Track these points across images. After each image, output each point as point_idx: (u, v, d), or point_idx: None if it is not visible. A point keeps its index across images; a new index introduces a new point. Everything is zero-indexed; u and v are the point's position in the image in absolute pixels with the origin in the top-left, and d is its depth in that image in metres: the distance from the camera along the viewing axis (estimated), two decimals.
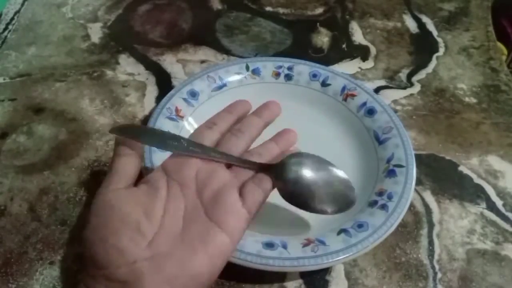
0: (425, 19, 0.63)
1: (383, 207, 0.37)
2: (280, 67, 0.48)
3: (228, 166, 0.33)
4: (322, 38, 0.59)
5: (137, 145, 0.32)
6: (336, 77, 0.47)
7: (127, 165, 0.31)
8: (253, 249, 0.33)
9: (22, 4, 0.61)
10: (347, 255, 0.34)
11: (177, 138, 0.33)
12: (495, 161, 0.46)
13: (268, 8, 0.63)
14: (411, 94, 0.52)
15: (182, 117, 0.43)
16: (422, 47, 0.59)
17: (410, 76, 0.54)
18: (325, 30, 0.60)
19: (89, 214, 0.29)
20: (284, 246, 0.34)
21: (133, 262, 0.27)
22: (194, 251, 0.28)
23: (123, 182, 0.30)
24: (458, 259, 0.39)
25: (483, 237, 0.40)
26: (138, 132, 0.33)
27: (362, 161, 0.43)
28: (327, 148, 0.43)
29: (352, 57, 0.56)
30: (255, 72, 0.48)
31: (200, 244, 0.28)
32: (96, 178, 0.43)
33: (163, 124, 0.42)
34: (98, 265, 0.27)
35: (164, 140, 0.33)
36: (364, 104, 0.45)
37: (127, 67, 0.53)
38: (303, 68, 0.48)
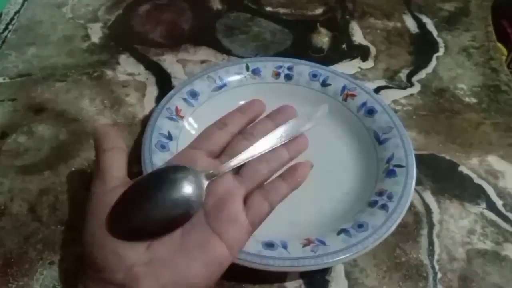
0: (425, 19, 0.63)
1: (383, 207, 0.37)
2: (280, 67, 0.48)
3: (236, 171, 0.32)
4: (322, 38, 0.59)
5: (118, 136, 0.31)
6: (336, 77, 0.47)
7: (115, 160, 0.31)
8: (253, 249, 0.33)
9: (22, 4, 0.61)
10: (347, 255, 0.34)
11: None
12: (495, 161, 0.46)
13: (268, 8, 0.63)
14: (411, 94, 0.52)
15: (182, 117, 0.43)
16: (422, 47, 0.59)
17: (410, 76, 0.54)
18: (325, 30, 0.60)
19: (86, 216, 0.29)
20: (284, 246, 0.34)
21: (130, 267, 0.26)
22: (191, 259, 0.27)
23: (115, 180, 0.30)
24: (458, 259, 0.39)
25: (483, 237, 0.40)
26: None
27: (362, 161, 0.43)
28: (327, 148, 0.44)
29: (352, 57, 0.56)
30: (255, 72, 0.48)
31: (198, 252, 0.28)
32: None
33: (163, 124, 0.42)
34: (96, 268, 0.27)
35: None
36: (364, 104, 0.45)
37: (127, 67, 0.53)
38: (303, 68, 0.48)
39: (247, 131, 0.35)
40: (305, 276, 0.37)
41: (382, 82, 0.53)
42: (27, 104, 0.49)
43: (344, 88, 0.47)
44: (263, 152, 0.33)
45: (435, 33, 0.61)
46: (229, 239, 0.29)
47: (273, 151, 0.33)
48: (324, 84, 0.47)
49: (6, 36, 0.56)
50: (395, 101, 0.51)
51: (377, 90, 0.52)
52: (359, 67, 0.55)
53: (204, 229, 0.29)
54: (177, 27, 0.59)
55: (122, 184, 0.29)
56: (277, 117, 0.36)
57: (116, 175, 0.30)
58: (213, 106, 0.45)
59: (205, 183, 0.30)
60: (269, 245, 0.34)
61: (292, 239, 0.35)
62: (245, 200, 0.31)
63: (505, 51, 0.82)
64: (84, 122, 0.47)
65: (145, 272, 0.27)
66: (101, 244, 0.27)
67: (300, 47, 0.57)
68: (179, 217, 0.28)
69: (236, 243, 0.29)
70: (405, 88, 0.53)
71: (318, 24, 0.61)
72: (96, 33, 0.57)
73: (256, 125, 0.35)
